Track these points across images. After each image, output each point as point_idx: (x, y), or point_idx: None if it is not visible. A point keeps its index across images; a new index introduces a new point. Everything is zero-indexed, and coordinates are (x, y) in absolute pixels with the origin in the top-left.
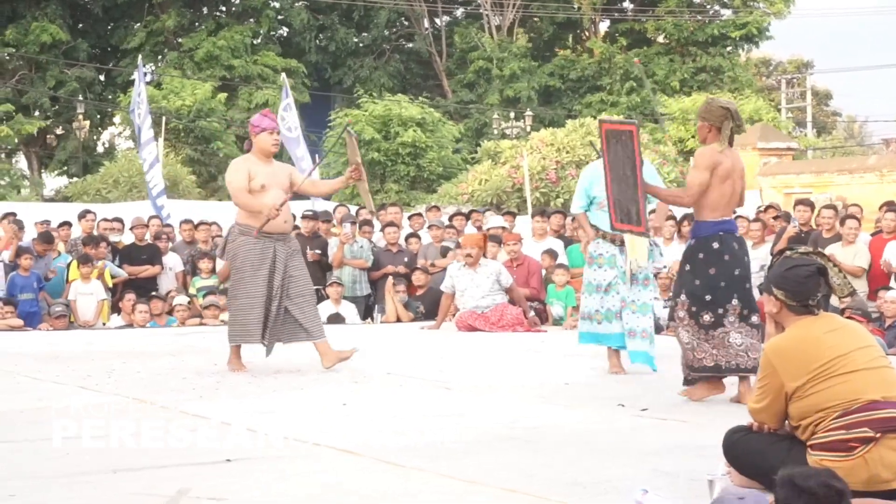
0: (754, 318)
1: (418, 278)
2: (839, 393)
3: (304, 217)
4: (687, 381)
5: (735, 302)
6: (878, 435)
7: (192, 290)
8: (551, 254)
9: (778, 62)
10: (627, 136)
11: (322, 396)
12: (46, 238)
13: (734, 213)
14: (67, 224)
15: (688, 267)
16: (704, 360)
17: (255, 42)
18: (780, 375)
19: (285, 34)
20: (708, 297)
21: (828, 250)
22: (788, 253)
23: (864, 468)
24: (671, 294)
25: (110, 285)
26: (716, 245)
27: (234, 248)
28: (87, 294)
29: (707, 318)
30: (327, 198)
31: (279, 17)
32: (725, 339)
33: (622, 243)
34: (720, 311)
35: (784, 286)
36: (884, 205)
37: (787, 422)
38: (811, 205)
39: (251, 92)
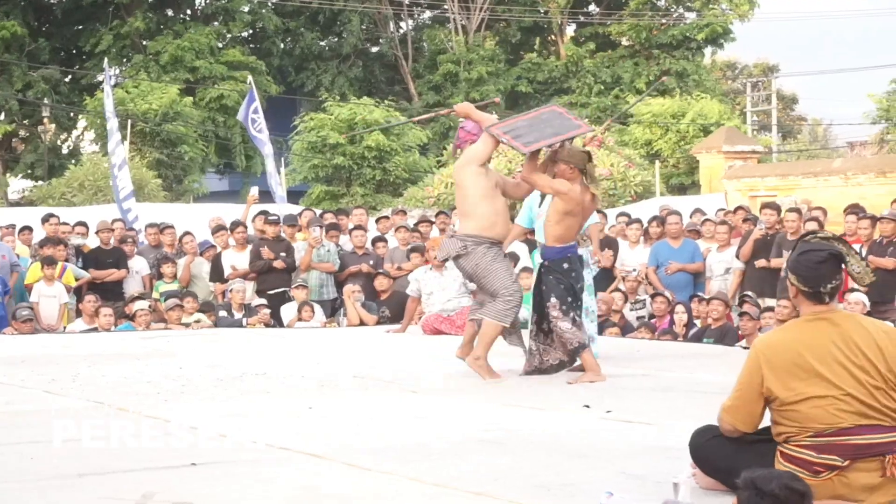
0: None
1: (381, 283)
2: (818, 416)
3: (268, 221)
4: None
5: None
6: (847, 463)
7: (155, 295)
8: (514, 257)
9: (743, 66)
10: (577, 126)
11: (288, 400)
12: None
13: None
14: (28, 228)
15: (551, 277)
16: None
17: (220, 45)
18: (764, 374)
19: (250, 36)
20: (570, 299)
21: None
22: (808, 237)
23: (830, 488)
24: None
25: (73, 286)
26: (566, 265)
27: (474, 258)
28: (49, 297)
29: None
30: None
31: (251, 20)
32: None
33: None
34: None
35: (797, 271)
36: (848, 208)
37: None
38: (777, 208)
39: (206, 89)
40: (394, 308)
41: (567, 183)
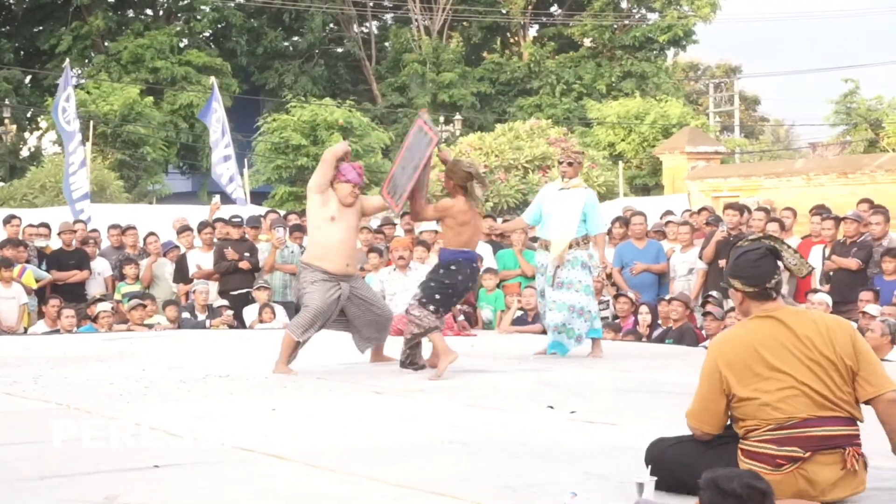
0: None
1: None
2: (775, 408)
3: (230, 223)
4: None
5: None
6: (808, 454)
7: (117, 296)
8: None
9: (706, 66)
10: (430, 142)
11: (252, 402)
12: None
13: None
14: None
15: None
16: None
17: (181, 44)
18: (722, 372)
19: (213, 36)
20: (437, 297)
21: None
22: (739, 243)
23: (793, 483)
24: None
25: (34, 287)
26: (453, 267)
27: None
28: (8, 298)
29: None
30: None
31: (212, 18)
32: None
33: (549, 248)
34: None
35: (738, 273)
36: (813, 209)
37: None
38: (740, 208)
39: (175, 94)
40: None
41: (449, 200)
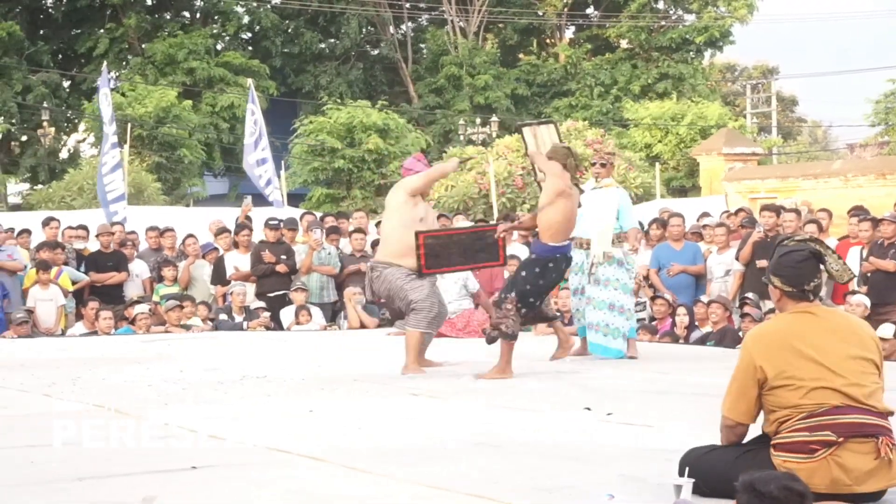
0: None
1: None
2: (807, 395)
3: (267, 225)
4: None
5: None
6: (841, 439)
7: (155, 298)
8: (517, 260)
9: (743, 68)
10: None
11: (289, 403)
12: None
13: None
14: (27, 231)
15: (523, 273)
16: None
17: (217, 47)
18: (757, 362)
19: (250, 38)
20: (531, 300)
21: None
22: (785, 242)
23: (827, 471)
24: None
25: (70, 290)
26: (550, 264)
27: (384, 279)
28: (46, 300)
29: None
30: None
31: (247, 21)
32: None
33: (587, 247)
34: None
35: (779, 272)
36: (851, 210)
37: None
38: (776, 210)
39: (214, 96)
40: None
41: (551, 180)
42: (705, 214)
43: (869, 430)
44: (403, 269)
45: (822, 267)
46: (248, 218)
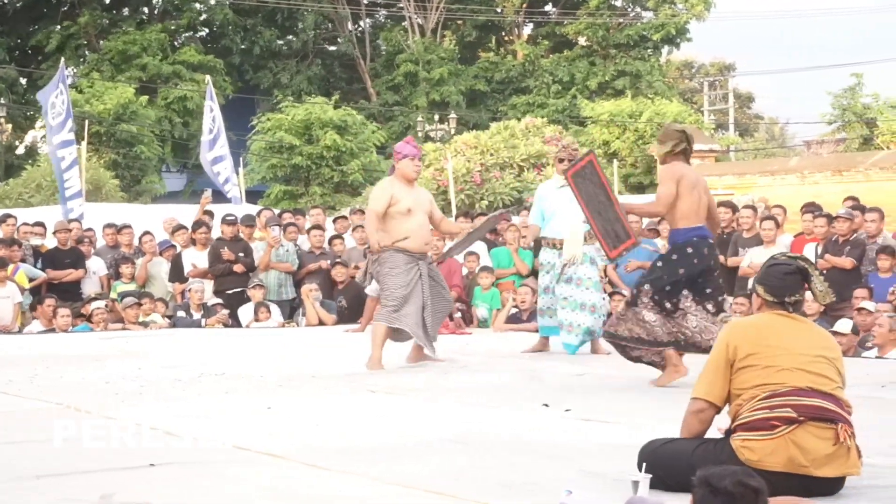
0: (709, 306)
1: (338, 273)
2: (772, 375)
3: (224, 221)
4: (637, 359)
5: (686, 292)
6: (802, 418)
7: (113, 295)
8: (475, 256)
9: (700, 65)
10: (590, 169)
11: (247, 400)
12: None
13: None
14: None
15: (659, 263)
16: (662, 337)
17: (175, 43)
18: (731, 343)
19: (207, 35)
20: (668, 289)
21: (751, 251)
22: (776, 255)
23: (784, 449)
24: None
25: (27, 287)
26: (689, 250)
27: (379, 263)
28: (2, 298)
29: (668, 305)
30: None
31: (202, 18)
32: (683, 321)
33: (560, 247)
34: (675, 300)
35: (764, 281)
36: (804, 206)
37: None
38: (733, 206)
39: (168, 91)
40: (351, 299)
41: (667, 167)
42: None
43: (829, 414)
44: (397, 254)
45: (806, 284)
46: (207, 213)
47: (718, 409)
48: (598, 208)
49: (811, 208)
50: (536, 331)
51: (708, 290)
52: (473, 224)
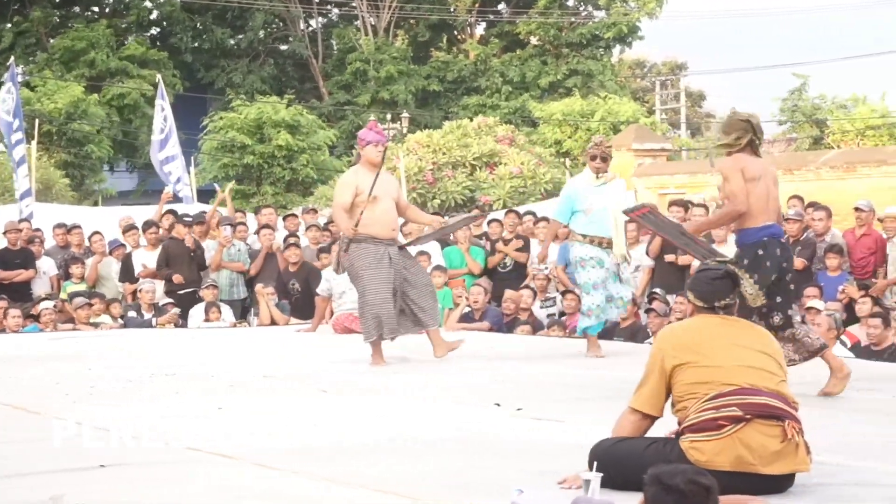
0: (775, 318)
1: (291, 254)
2: (714, 375)
3: (178, 221)
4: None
5: (779, 299)
6: (749, 417)
7: (63, 295)
8: (427, 256)
9: (652, 64)
10: (653, 213)
11: (198, 401)
12: None
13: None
14: None
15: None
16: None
17: (124, 40)
18: (667, 351)
19: (158, 33)
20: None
21: None
22: (707, 261)
23: (732, 448)
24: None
25: None
26: (759, 252)
27: (350, 257)
28: None
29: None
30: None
31: (152, 16)
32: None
33: (608, 245)
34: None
35: (694, 287)
36: None
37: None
38: (685, 205)
39: (109, 88)
40: (303, 282)
41: (729, 160)
42: None
43: (776, 412)
44: (364, 243)
45: (735, 288)
46: (171, 211)
47: (654, 419)
48: (681, 241)
49: None
50: (489, 329)
51: (778, 300)
52: (445, 221)
